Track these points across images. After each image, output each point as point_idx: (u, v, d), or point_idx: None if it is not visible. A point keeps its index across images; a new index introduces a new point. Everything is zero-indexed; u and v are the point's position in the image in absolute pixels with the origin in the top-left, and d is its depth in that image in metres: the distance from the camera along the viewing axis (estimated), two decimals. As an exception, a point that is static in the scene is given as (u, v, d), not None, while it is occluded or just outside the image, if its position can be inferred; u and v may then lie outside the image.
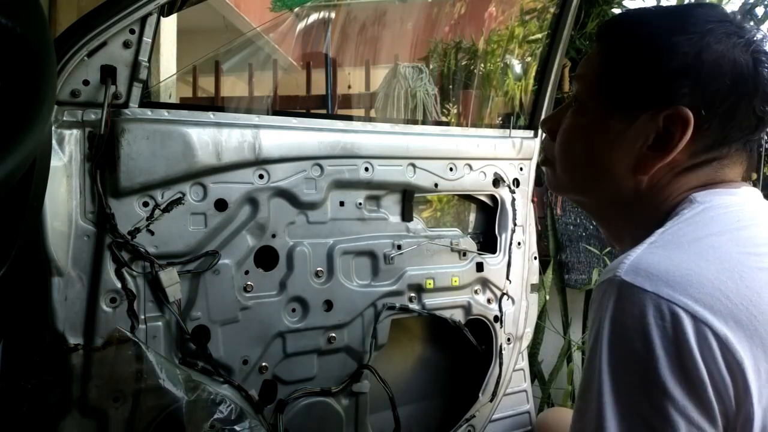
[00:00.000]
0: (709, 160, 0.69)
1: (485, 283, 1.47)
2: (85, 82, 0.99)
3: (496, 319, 1.48)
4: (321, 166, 1.23)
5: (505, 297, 1.49)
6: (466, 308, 1.43)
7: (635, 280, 0.56)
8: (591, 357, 0.59)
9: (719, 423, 0.54)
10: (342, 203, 1.28)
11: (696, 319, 0.53)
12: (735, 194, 0.67)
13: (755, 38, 0.68)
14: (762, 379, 0.54)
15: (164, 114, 1.06)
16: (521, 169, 1.52)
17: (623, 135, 0.70)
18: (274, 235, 1.19)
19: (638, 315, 0.55)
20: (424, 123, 2.15)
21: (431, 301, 1.38)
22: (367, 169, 1.29)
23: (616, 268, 0.59)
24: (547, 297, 2.25)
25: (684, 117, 0.66)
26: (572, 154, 0.78)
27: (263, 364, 1.18)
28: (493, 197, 1.51)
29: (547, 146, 0.84)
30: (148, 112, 1.05)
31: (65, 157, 0.99)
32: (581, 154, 0.76)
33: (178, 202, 1.08)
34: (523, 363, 1.56)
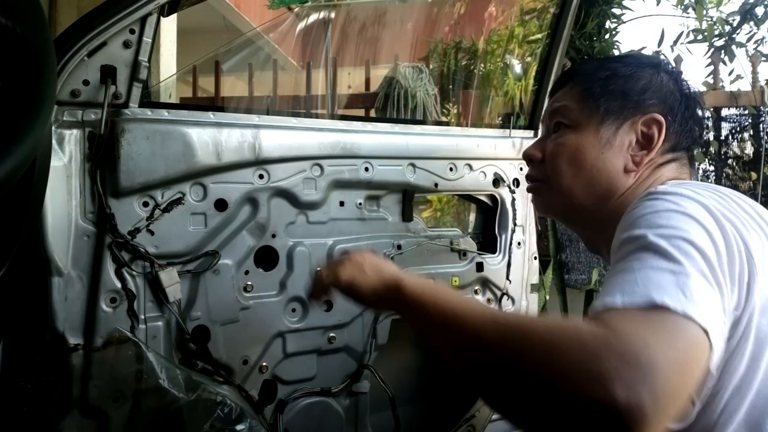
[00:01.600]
0: (672, 159, 0.91)
1: (485, 283, 1.47)
2: (85, 82, 0.99)
3: (496, 319, 1.47)
4: (321, 166, 1.23)
5: (505, 297, 1.49)
6: (466, 308, 1.43)
7: (668, 189, 0.76)
8: (631, 222, 0.71)
9: (733, 298, 0.66)
10: (342, 203, 1.28)
11: (718, 212, 0.70)
12: (692, 184, 0.83)
13: (679, 74, 0.95)
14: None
15: (164, 114, 1.06)
16: (521, 169, 1.52)
17: (612, 142, 0.90)
18: (274, 235, 1.19)
19: (675, 199, 0.71)
20: (424, 123, 2.15)
21: (431, 301, 1.38)
22: (367, 169, 1.29)
23: (649, 190, 0.79)
24: (547, 297, 2.25)
25: (659, 120, 0.89)
26: (574, 164, 0.93)
27: (263, 364, 1.18)
28: (493, 197, 1.51)
29: (534, 171, 1.01)
30: (148, 112, 1.05)
31: (65, 157, 0.99)
32: (582, 162, 0.92)
33: (178, 202, 1.08)
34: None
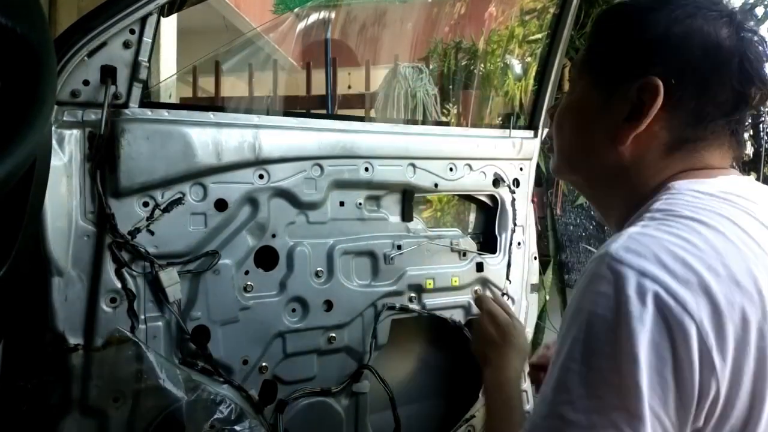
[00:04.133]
0: (690, 139, 0.70)
1: (485, 283, 1.47)
2: (85, 82, 0.99)
3: (496, 319, 1.47)
4: (321, 166, 1.23)
5: (505, 297, 1.49)
6: (466, 308, 1.43)
7: (623, 257, 0.57)
8: (569, 324, 0.61)
9: (690, 414, 0.54)
10: (342, 203, 1.28)
11: (676, 302, 0.54)
12: (716, 183, 0.68)
13: (735, 15, 0.70)
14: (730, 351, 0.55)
15: (164, 114, 1.06)
16: (521, 169, 1.52)
17: (604, 108, 0.74)
18: (274, 235, 1.19)
19: (621, 291, 0.56)
20: (424, 123, 2.15)
21: (431, 301, 1.38)
22: (367, 169, 1.29)
23: (608, 245, 0.61)
24: (547, 297, 2.25)
25: (652, 84, 0.68)
26: (562, 129, 0.82)
27: (263, 364, 1.18)
28: (493, 197, 1.51)
29: (549, 132, 0.89)
30: (148, 112, 1.05)
31: (65, 157, 0.99)
32: (569, 129, 0.80)
33: (178, 202, 1.08)
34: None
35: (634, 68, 0.70)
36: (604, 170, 0.76)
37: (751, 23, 0.71)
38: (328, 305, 1.25)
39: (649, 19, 0.71)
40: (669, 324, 0.54)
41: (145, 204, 1.05)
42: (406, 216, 1.38)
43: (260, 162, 1.16)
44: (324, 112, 3.12)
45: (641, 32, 0.71)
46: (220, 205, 1.13)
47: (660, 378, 0.53)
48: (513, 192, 1.50)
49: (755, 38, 0.70)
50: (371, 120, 1.84)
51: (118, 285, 1.03)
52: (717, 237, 0.60)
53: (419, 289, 1.36)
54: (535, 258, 1.58)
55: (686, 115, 0.69)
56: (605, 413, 0.54)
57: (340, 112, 3.21)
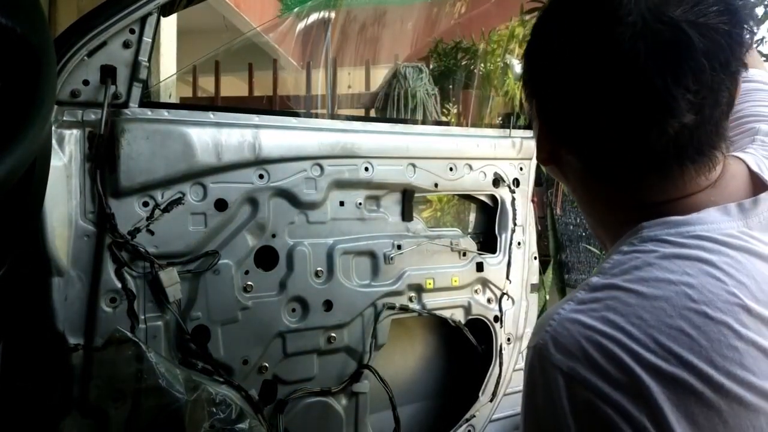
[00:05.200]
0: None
1: (485, 283, 1.47)
2: (85, 82, 0.99)
3: (496, 319, 1.48)
4: (321, 166, 1.23)
5: (505, 297, 1.49)
6: (466, 308, 1.43)
7: (553, 357, 0.52)
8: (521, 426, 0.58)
9: None
10: (342, 203, 1.28)
11: (610, 405, 0.49)
12: (686, 224, 0.56)
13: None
14: None
15: (164, 114, 1.06)
16: (521, 168, 1.52)
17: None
18: (274, 235, 1.19)
19: (555, 398, 0.52)
20: (424, 123, 2.15)
21: (431, 301, 1.38)
22: (367, 169, 1.29)
23: (541, 331, 0.55)
24: (547, 297, 2.25)
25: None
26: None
27: (263, 364, 1.18)
28: (493, 197, 1.51)
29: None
30: (148, 112, 1.05)
31: (65, 157, 0.99)
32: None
33: (178, 202, 1.08)
34: (524, 363, 1.56)
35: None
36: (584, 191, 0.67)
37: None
38: (328, 305, 1.25)
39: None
40: (609, 429, 0.48)
41: (145, 204, 1.05)
42: (406, 216, 1.38)
43: (260, 162, 1.16)
44: (324, 111, 3.12)
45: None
46: (220, 205, 1.13)
47: None
48: (513, 192, 1.50)
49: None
50: (371, 120, 1.84)
51: (118, 285, 1.03)
52: (662, 310, 0.51)
53: (419, 289, 1.36)
54: (535, 258, 1.58)
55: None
56: None
57: (340, 112, 3.21)
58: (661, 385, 0.49)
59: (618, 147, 0.57)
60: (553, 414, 0.52)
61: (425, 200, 1.52)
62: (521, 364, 1.55)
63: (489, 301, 1.47)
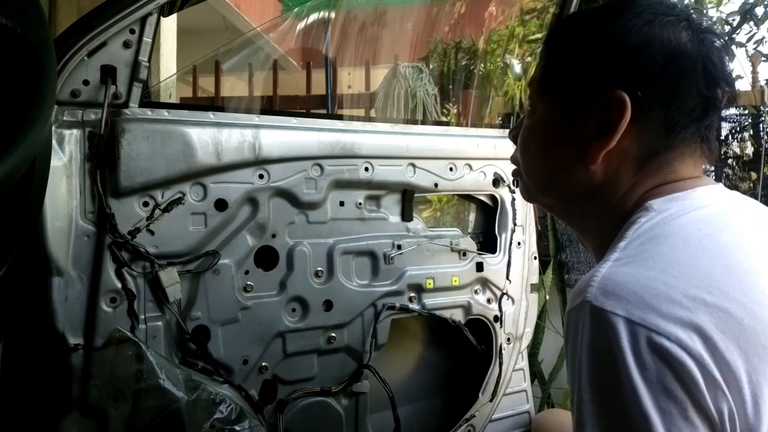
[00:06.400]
0: (661, 151, 0.68)
1: (485, 283, 1.47)
2: (85, 82, 0.99)
3: (496, 318, 1.48)
4: (321, 166, 1.23)
5: (505, 297, 1.49)
6: (466, 308, 1.43)
7: (605, 304, 0.55)
8: (573, 384, 0.59)
9: None
10: (342, 203, 1.28)
11: (669, 340, 0.52)
12: (692, 198, 0.66)
13: (692, 18, 0.68)
14: (758, 380, 0.53)
15: (164, 114, 1.06)
16: (521, 169, 1.51)
17: (569, 127, 0.71)
18: (274, 235, 1.20)
19: (613, 341, 0.54)
20: (424, 123, 2.15)
21: (431, 301, 1.38)
22: (367, 169, 1.29)
23: (585, 291, 0.58)
24: (547, 297, 2.25)
25: (619, 99, 0.65)
26: (528, 152, 0.79)
27: (263, 364, 1.18)
28: (493, 197, 1.51)
29: (514, 156, 0.85)
30: (148, 112, 1.05)
31: (65, 157, 0.99)
32: (536, 151, 0.77)
33: (178, 202, 1.08)
34: (523, 363, 1.56)
35: (597, 83, 0.68)
36: (577, 191, 0.73)
37: (709, 23, 0.68)
38: (328, 305, 1.25)
39: (605, 31, 0.68)
40: (671, 364, 0.52)
41: (145, 204, 1.05)
42: (406, 216, 1.38)
43: (260, 162, 1.16)
44: (324, 112, 3.12)
45: (599, 45, 0.68)
46: (220, 204, 1.13)
47: (678, 422, 0.52)
48: (513, 192, 1.51)
49: (715, 40, 0.68)
50: (371, 120, 1.84)
51: (118, 285, 1.03)
52: (698, 258, 0.58)
53: (419, 289, 1.36)
54: (535, 258, 1.58)
55: (656, 126, 0.67)
56: None
57: (340, 111, 3.21)
58: (709, 315, 0.53)
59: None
60: (613, 361, 0.53)
61: (425, 200, 1.52)
62: (521, 363, 1.55)
63: (489, 301, 1.47)
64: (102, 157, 1.01)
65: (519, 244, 1.52)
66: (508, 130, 0.90)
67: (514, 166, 0.85)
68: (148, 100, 1.08)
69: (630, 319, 0.54)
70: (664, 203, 0.65)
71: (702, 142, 0.69)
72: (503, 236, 1.50)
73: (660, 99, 0.66)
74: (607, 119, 0.67)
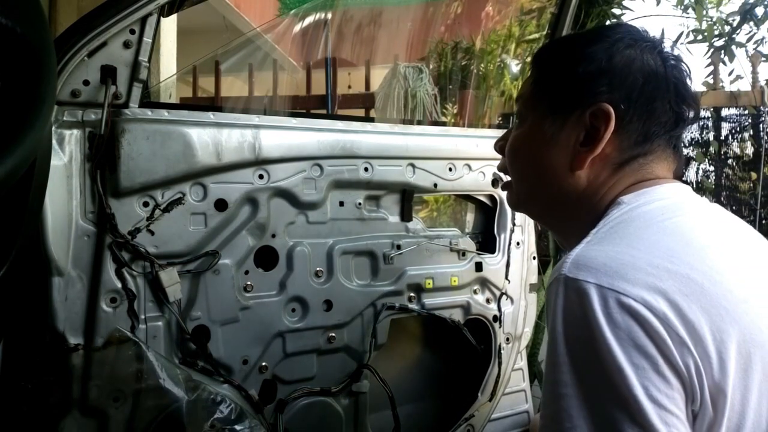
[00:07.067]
0: (636, 156, 0.77)
1: (484, 283, 1.47)
2: (86, 82, 0.99)
3: (495, 318, 1.48)
4: (321, 166, 1.23)
5: (504, 297, 1.49)
6: (465, 308, 1.43)
7: (578, 275, 0.62)
8: (550, 352, 0.64)
9: (682, 396, 0.58)
10: (342, 203, 1.28)
11: (636, 301, 0.59)
12: (657, 191, 0.74)
13: (662, 45, 0.80)
14: (722, 338, 0.59)
15: (164, 114, 1.06)
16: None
17: (557, 136, 0.79)
18: (274, 235, 1.20)
19: (585, 305, 0.60)
20: (423, 123, 2.15)
21: (431, 300, 1.38)
22: (366, 169, 1.29)
23: (560, 268, 0.65)
24: (547, 297, 2.25)
25: (605, 111, 0.75)
26: (517, 161, 0.87)
27: (263, 363, 1.18)
28: (492, 197, 1.51)
29: (501, 165, 0.93)
30: (148, 112, 1.05)
31: (65, 157, 0.99)
32: (525, 160, 0.85)
33: (178, 202, 1.09)
34: (522, 363, 1.56)
35: (585, 97, 0.77)
36: (563, 194, 0.80)
37: (673, 51, 0.81)
38: (328, 305, 1.25)
39: (591, 52, 0.78)
40: (640, 322, 0.58)
41: (145, 204, 1.06)
42: (406, 216, 1.38)
43: (260, 162, 1.16)
44: (324, 112, 3.13)
45: (587, 64, 0.77)
46: (220, 205, 1.13)
47: (651, 376, 0.57)
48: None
49: (683, 65, 0.79)
50: (371, 120, 1.85)
51: (118, 285, 1.03)
52: (660, 236, 0.66)
53: (419, 289, 1.36)
54: (534, 257, 1.58)
55: (635, 135, 0.76)
56: (613, 429, 0.57)
57: (340, 112, 3.22)
58: (672, 280, 0.60)
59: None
60: (587, 323, 0.59)
61: (421, 200, 1.52)
62: (520, 363, 1.56)
63: (488, 300, 1.47)
64: (102, 157, 1.01)
65: (518, 244, 1.52)
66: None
67: (503, 174, 0.92)
68: (148, 100, 1.08)
69: (600, 284, 0.60)
70: (634, 197, 0.74)
71: (673, 149, 0.80)
72: (502, 236, 1.50)
73: (639, 112, 0.76)
74: (593, 129, 0.76)
